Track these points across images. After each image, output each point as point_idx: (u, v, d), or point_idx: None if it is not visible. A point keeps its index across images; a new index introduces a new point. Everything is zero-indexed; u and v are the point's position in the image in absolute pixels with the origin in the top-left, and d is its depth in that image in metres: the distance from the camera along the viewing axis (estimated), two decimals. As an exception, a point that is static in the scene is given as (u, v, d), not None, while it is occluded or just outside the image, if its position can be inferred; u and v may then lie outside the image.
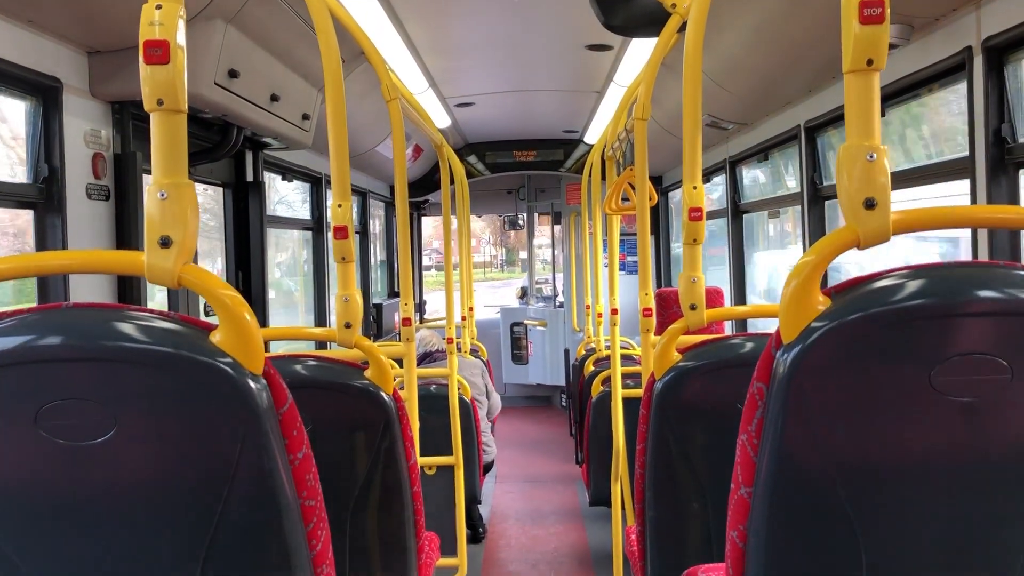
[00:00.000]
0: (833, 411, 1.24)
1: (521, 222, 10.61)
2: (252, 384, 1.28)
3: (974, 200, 2.81)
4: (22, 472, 1.29)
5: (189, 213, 1.29)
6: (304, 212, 6.09)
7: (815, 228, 4.33)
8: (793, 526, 1.30)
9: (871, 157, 1.23)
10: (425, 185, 8.71)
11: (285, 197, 6.00)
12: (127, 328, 1.28)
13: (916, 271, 1.25)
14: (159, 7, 1.25)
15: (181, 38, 1.26)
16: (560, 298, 9.94)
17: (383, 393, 2.23)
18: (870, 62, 1.23)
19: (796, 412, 1.24)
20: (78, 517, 1.30)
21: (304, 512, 1.35)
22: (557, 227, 10.42)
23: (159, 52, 1.24)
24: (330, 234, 5.86)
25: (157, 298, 3.87)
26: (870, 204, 1.23)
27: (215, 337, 1.29)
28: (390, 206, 9.01)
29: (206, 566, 1.31)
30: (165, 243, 1.27)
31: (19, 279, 1.46)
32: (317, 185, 6.04)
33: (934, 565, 1.30)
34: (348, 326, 2.21)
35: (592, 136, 7.89)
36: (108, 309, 1.32)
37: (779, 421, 1.25)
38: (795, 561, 1.31)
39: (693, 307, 2.17)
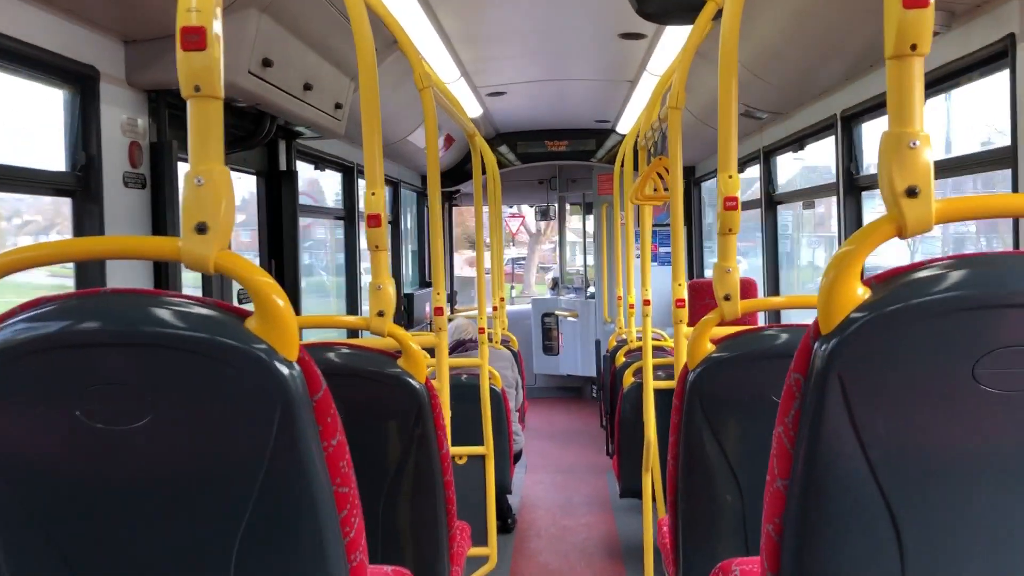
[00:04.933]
0: (872, 403, 1.22)
1: (552, 213, 10.59)
2: (286, 370, 1.28)
3: (1015, 189, 2.76)
4: (62, 456, 1.31)
5: (225, 199, 1.29)
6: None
7: (851, 219, 4.27)
8: (830, 519, 1.28)
9: (914, 144, 1.21)
10: (456, 175, 8.71)
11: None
12: (164, 314, 1.29)
13: (958, 261, 1.22)
14: None
15: (218, 25, 1.27)
16: (591, 289, 9.91)
17: (416, 382, 2.23)
18: (914, 47, 1.20)
19: (834, 404, 1.22)
20: (116, 500, 1.32)
21: (338, 499, 1.36)
22: (589, 217, 10.37)
23: (196, 38, 1.24)
24: (363, 223, 5.87)
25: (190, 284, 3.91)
26: (912, 192, 1.20)
27: (250, 323, 1.29)
28: (421, 196, 9.02)
29: (241, 550, 1.32)
30: (201, 229, 1.28)
31: (57, 264, 1.48)
32: (349, 175, 6.06)
33: (974, 558, 1.27)
34: (381, 314, 2.21)
35: (624, 126, 7.84)
36: (145, 295, 1.33)
37: (817, 413, 1.23)
38: (831, 554, 1.29)
39: (727, 298, 2.14)
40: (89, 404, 1.27)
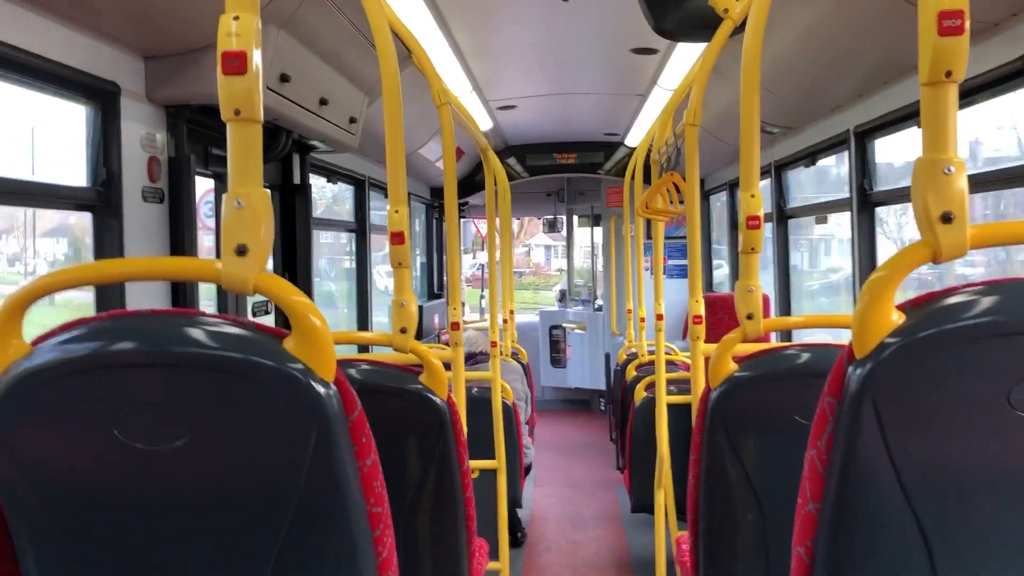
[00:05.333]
0: (907, 427, 1.23)
1: (560, 225, 10.61)
2: (323, 390, 1.29)
3: None
4: (100, 475, 1.31)
5: (264, 221, 1.30)
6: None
7: (864, 235, 4.28)
8: (863, 543, 1.28)
9: (948, 170, 1.21)
10: (465, 186, 8.74)
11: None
12: (199, 334, 1.30)
13: (991, 287, 1.23)
14: (236, 18, 1.27)
15: (257, 50, 1.28)
16: (599, 301, 9.92)
17: (437, 398, 2.23)
18: (948, 74, 1.20)
19: (868, 428, 1.23)
20: (152, 519, 1.33)
21: (371, 518, 1.36)
22: (597, 229, 10.40)
23: (237, 63, 1.26)
24: (373, 236, 5.83)
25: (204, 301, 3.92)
26: (947, 218, 1.21)
27: (288, 344, 1.30)
28: (429, 208, 9.04)
29: (276, 570, 1.32)
30: (241, 251, 1.29)
31: (92, 285, 1.50)
32: (360, 188, 6.08)
33: None
34: (404, 331, 2.22)
35: (633, 139, 7.86)
36: (180, 315, 1.34)
37: (851, 437, 1.24)
38: None
39: (750, 316, 2.14)
40: (126, 424, 1.28)
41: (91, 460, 1.31)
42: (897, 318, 1.23)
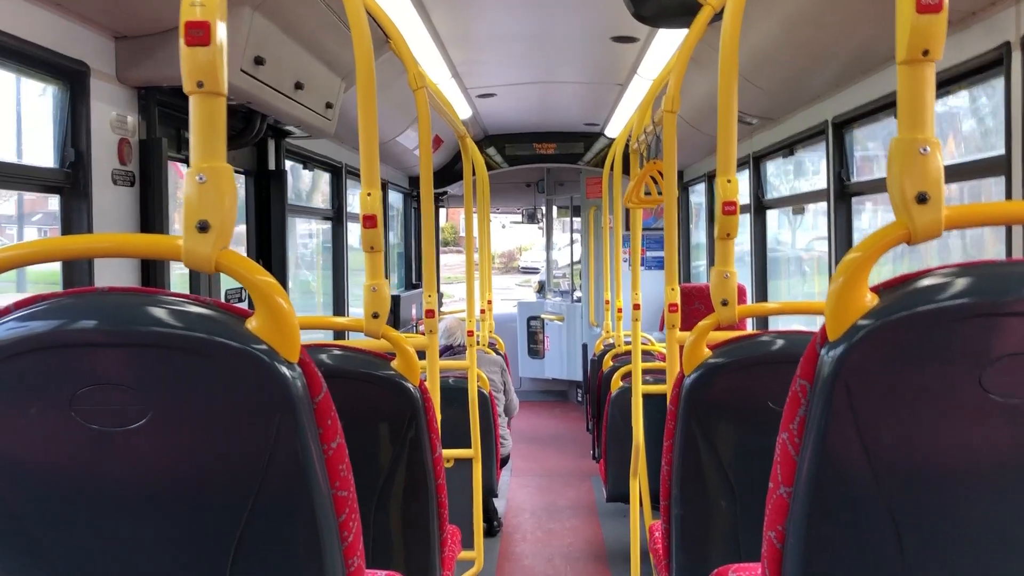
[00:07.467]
0: (879, 410, 1.21)
1: (539, 216, 10.59)
2: (287, 372, 1.26)
3: (1009, 196, 2.76)
4: (55, 456, 1.28)
5: (227, 197, 1.27)
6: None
7: (841, 225, 4.28)
8: (834, 526, 1.27)
9: (924, 150, 1.20)
10: (444, 176, 8.69)
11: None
12: (161, 313, 1.26)
13: (964, 268, 1.22)
14: None
15: (222, 20, 1.24)
16: (577, 293, 9.92)
17: (410, 384, 2.21)
18: (926, 52, 1.19)
19: (840, 411, 1.21)
20: (110, 502, 1.29)
21: (336, 503, 1.34)
22: (576, 220, 10.39)
23: (200, 33, 1.22)
24: (350, 224, 5.79)
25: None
26: (922, 198, 1.20)
27: (251, 324, 1.27)
28: (408, 197, 8.99)
29: (237, 554, 1.30)
30: (203, 227, 1.25)
31: (53, 262, 1.46)
32: (337, 175, 6.03)
33: (977, 567, 1.27)
34: (376, 316, 2.19)
35: (613, 129, 7.84)
36: (142, 293, 1.30)
37: (823, 420, 1.22)
38: (835, 562, 1.28)
39: (725, 303, 2.13)
40: (84, 405, 1.24)
41: (46, 442, 1.27)
42: (871, 300, 1.22)
